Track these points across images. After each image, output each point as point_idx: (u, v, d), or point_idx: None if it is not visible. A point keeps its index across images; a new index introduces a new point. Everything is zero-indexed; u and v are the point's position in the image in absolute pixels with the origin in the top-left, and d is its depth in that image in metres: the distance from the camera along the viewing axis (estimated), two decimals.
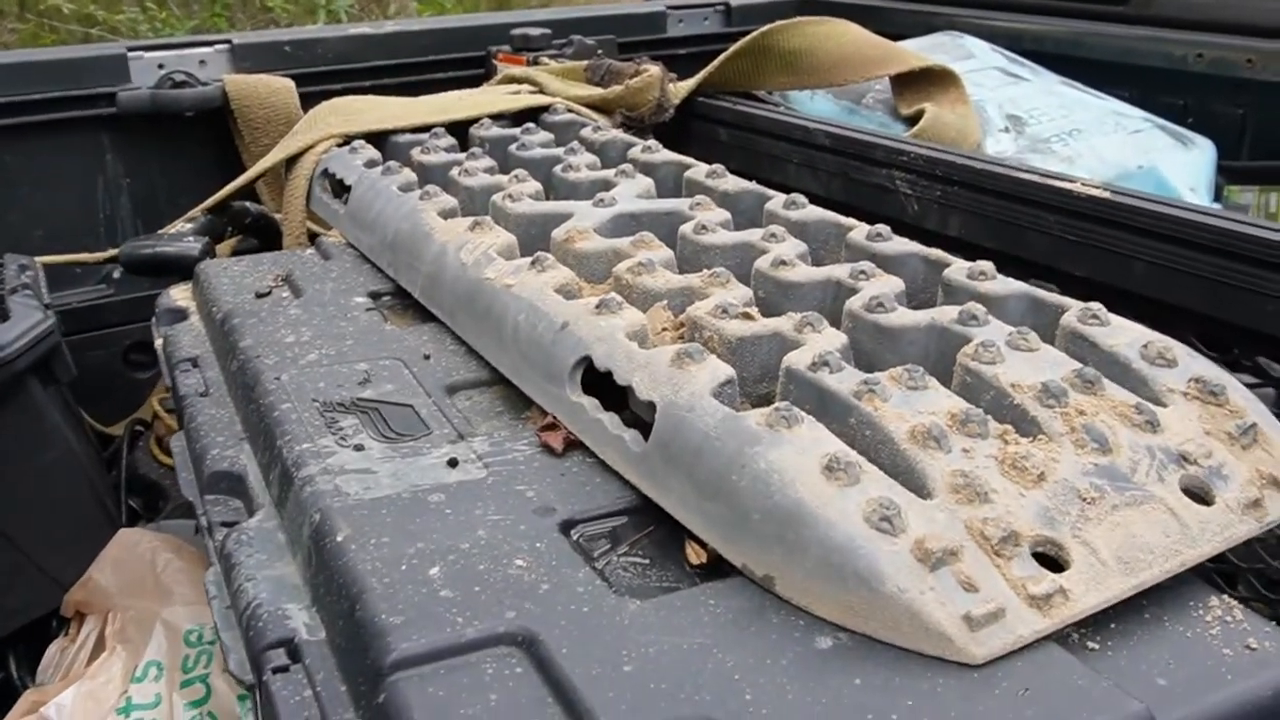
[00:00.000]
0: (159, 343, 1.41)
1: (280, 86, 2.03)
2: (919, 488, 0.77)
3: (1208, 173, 1.90)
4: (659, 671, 0.69)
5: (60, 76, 1.94)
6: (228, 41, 2.11)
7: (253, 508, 1.00)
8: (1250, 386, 1.24)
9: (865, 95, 1.98)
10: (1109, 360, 0.93)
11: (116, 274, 2.03)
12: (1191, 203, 1.23)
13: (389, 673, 0.70)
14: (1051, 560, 0.75)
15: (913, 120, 1.82)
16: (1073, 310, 0.98)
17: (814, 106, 2.02)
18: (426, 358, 1.17)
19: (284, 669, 0.78)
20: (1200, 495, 0.81)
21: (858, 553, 0.72)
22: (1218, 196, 1.97)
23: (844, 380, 0.87)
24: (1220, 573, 0.93)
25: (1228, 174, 2.03)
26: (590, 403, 0.97)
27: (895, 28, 2.47)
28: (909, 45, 2.17)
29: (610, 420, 0.94)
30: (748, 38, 1.84)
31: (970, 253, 1.39)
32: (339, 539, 0.84)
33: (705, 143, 1.86)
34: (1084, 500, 0.78)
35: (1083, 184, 1.29)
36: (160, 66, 2.03)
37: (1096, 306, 0.97)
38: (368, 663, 0.73)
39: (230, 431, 1.13)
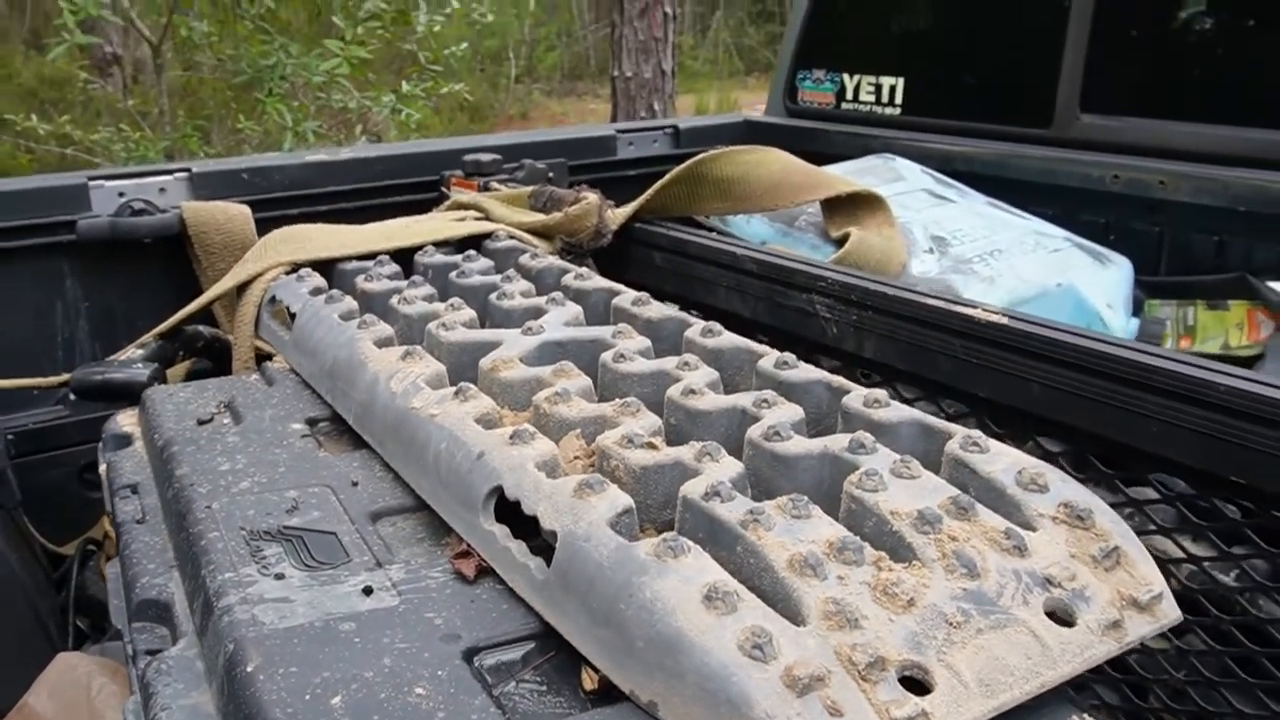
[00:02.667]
0: (103, 468, 1.45)
1: (237, 213, 2.10)
2: (794, 614, 0.82)
3: (1125, 289, 1.98)
4: None
5: (23, 205, 2.01)
6: (187, 170, 2.19)
7: (176, 636, 1.03)
8: (1147, 503, 1.30)
9: (798, 218, 2.06)
10: (986, 485, 0.98)
11: (72, 396, 2.07)
12: (1080, 328, 1.30)
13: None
14: (917, 683, 0.79)
15: (841, 242, 1.90)
16: (956, 437, 1.03)
17: (750, 229, 2.10)
18: (354, 484, 1.22)
19: None
20: (1063, 617, 0.86)
21: (730, 680, 0.76)
22: (1137, 311, 2.05)
23: (733, 509, 0.92)
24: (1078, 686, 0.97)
25: (1147, 289, 2.11)
26: (501, 530, 1.01)
27: (834, 148, 2.57)
28: (842, 167, 2.27)
29: (518, 548, 0.98)
30: (682, 166, 1.93)
31: (884, 373, 1.45)
32: (249, 669, 0.87)
33: (642, 266, 1.94)
34: (950, 624, 0.82)
35: (984, 309, 1.36)
36: (120, 194, 2.10)
37: (977, 434, 1.03)
38: None
39: (162, 559, 1.17)
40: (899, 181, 2.19)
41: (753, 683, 0.75)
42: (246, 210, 2.12)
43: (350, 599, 0.98)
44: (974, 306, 1.38)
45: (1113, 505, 1.30)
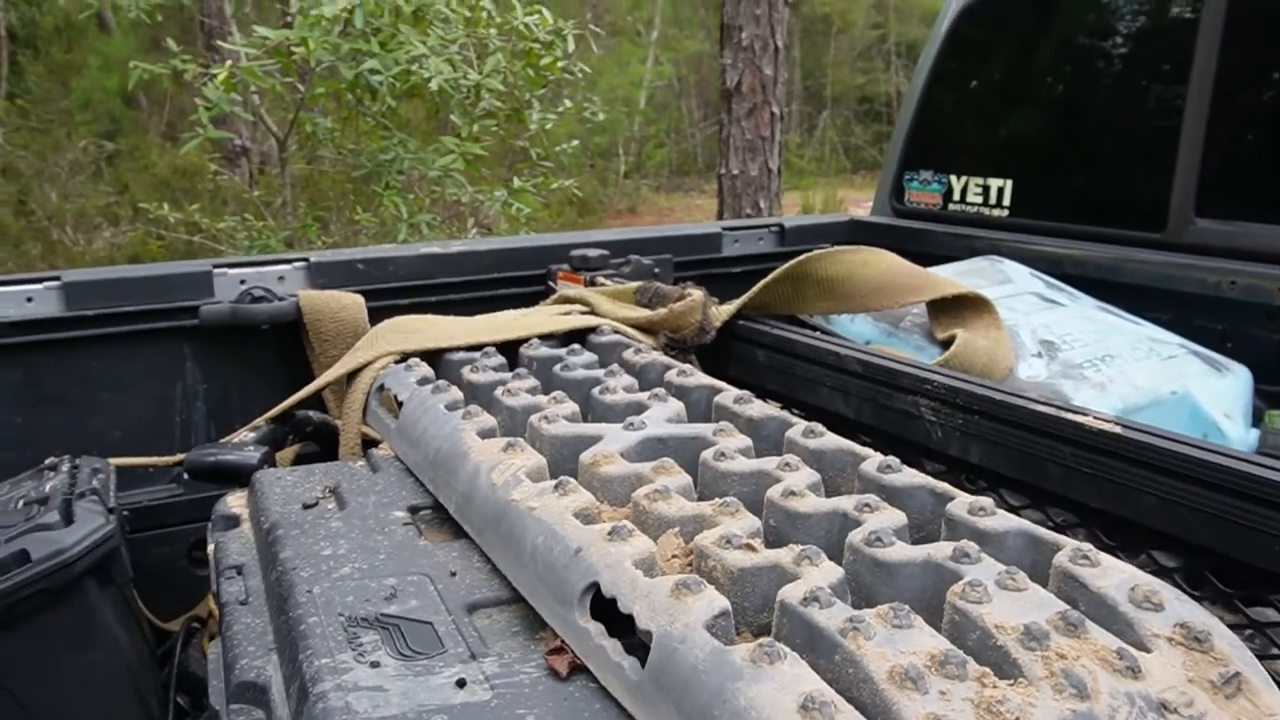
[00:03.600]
0: (211, 548, 1.48)
1: (350, 302, 2.16)
2: None
3: (1243, 398, 1.91)
4: None
5: (152, 291, 2.10)
6: (305, 259, 2.26)
7: (272, 719, 1.04)
8: (1268, 625, 1.24)
9: (903, 319, 2.05)
10: (1097, 601, 0.94)
11: (186, 475, 2.13)
12: (1195, 439, 1.25)
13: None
14: None
15: (946, 345, 1.87)
16: (1065, 550, 1.00)
17: (854, 329, 2.09)
18: (453, 574, 1.22)
19: None
20: None
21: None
22: (1257, 421, 1.98)
23: (832, 616, 0.90)
24: None
25: (1268, 399, 2.04)
26: (596, 628, 1.00)
27: (940, 249, 2.56)
28: (948, 269, 2.25)
29: (612, 647, 0.97)
30: (787, 265, 1.93)
31: (989, 480, 1.42)
32: None
33: (745, 364, 1.93)
34: None
35: (1095, 417, 1.33)
36: (242, 282, 2.18)
37: (1088, 547, 0.99)
38: None
39: (262, 642, 1.18)
40: (1007, 284, 2.16)
41: None
42: (360, 299, 2.18)
43: (443, 691, 0.98)
44: (1085, 414, 1.34)
45: (1232, 627, 1.24)
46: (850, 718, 0.79)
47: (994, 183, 2.65)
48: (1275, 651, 1.21)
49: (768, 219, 3.06)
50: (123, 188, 8.51)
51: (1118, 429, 1.30)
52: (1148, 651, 0.89)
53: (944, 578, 0.98)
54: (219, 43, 5.01)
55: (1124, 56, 2.48)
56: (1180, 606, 0.94)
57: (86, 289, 2.04)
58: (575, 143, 6.12)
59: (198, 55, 6.12)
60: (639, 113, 22.44)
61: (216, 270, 2.17)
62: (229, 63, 4.65)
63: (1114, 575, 0.97)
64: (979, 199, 2.68)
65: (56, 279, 2.03)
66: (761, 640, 0.86)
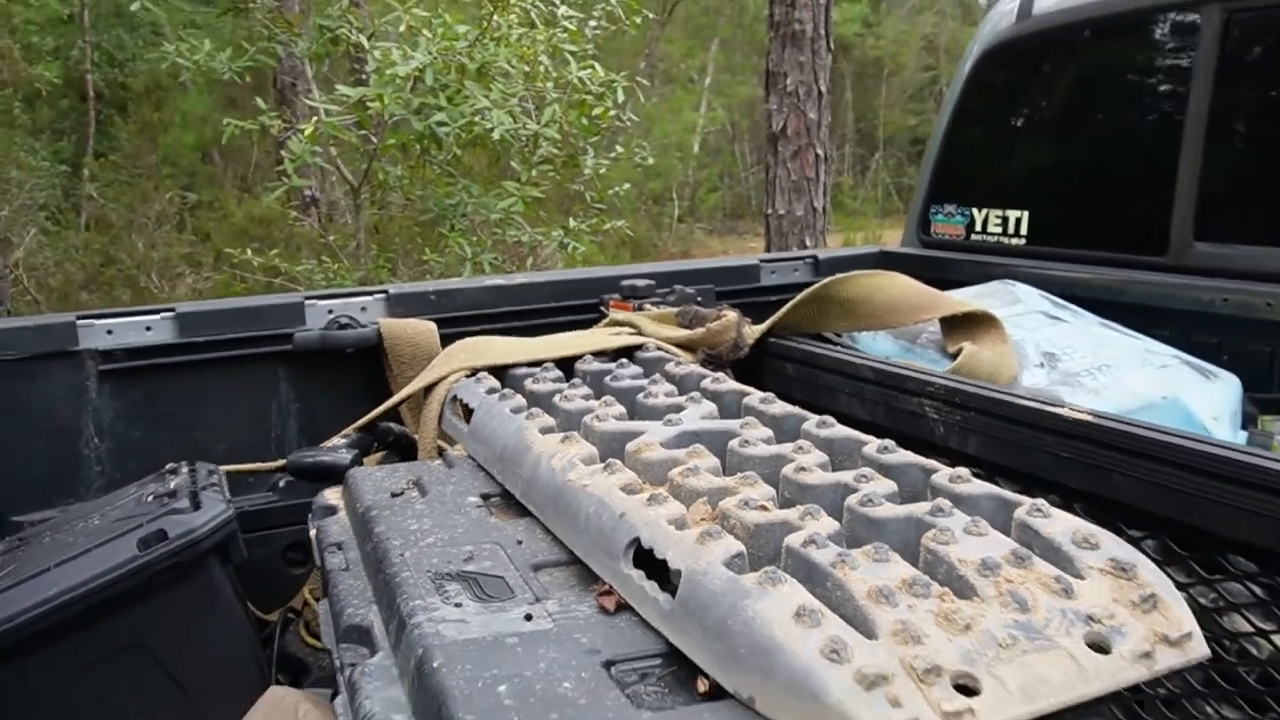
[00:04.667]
0: (313, 532, 1.72)
1: (425, 328, 2.40)
2: (868, 632, 1.00)
3: (1232, 404, 2.09)
4: None
5: (251, 320, 2.36)
6: (385, 291, 2.52)
7: (374, 651, 1.27)
8: (1218, 581, 1.42)
9: (920, 336, 2.25)
10: (1045, 543, 1.14)
11: (282, 484, 2.38)
12: (1157, 424, 1.44)
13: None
14: (968, 689, 0.96)
15: (957, 356, 2.07)
16: (1024, 505, 1.20)
17: (876, 346, 2.29)
18: (519, 543, 1.44)
19: None
20: (1100, 646, 1.01)
21: (811, 676, 0.94)
22: (1247, 425, 2.15)
23: (826, 554, 1.11)
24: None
25: (1261, 405, 2.20)
26: (638, 574, 1.22)
27: (963, 276, 2.75)
28: (966, 292, 2.44)
29: (650, 586, 1.19)
30: (811, 288, 2.15)
31: (986, 469, 1.62)
32: (434, 664, 1.09)
33: (775, 377, 2.14)
34: (1000, 645, 0.99)
35: (1071, 409, 1.52)
36: (329, 311, 2.44)
37: (1042, 502, 1.19)
38: None
39: (363, 598, 1.41)
40: (1017, 304, 2.35)
41: (830, 678, 0.93)
42: (433, 326, 2.42)
43: (514, 623, 1.20)
44: (1062, 406, 1.54)
45: (1187, 584, 1.43)
46: (834, 622, 1.00)
47: (1012, 214, 2.84)
48: (1224, 603, 1.39)
49: (802, 252, 3.27)
50: (204, 236, 8.97)
51: (1089, 418, 1.49)
52: (1082, 579, 1.08)
53: (922, 529, 1.19)
54: (306, 100, 5.35)
55: (1128, 97, 2.67)
56: (1114, 546, 1.13)
57: (197, 319, 2.31)
58: (628, 186, 6.40)
59: (276, 111, 6.51)
60: (692, 157, 22.82)
61: (307, 301, 2.43)
62: (315, 119, 5.00)
63: (1061, 523, 1.17)
64: (999, 229, 2.88)
65: (172, 310, 2.30)
66: (767, 569, 1.07)
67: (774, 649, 0.98)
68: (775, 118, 6.50)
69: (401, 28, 5.10)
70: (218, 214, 9.48)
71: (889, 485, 1.30)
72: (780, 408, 1.67)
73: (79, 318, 2.24)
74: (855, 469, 1.41)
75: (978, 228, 2.94)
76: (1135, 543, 1.47)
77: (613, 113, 5.52)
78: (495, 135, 4.98)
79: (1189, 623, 1.05)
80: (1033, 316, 2.28)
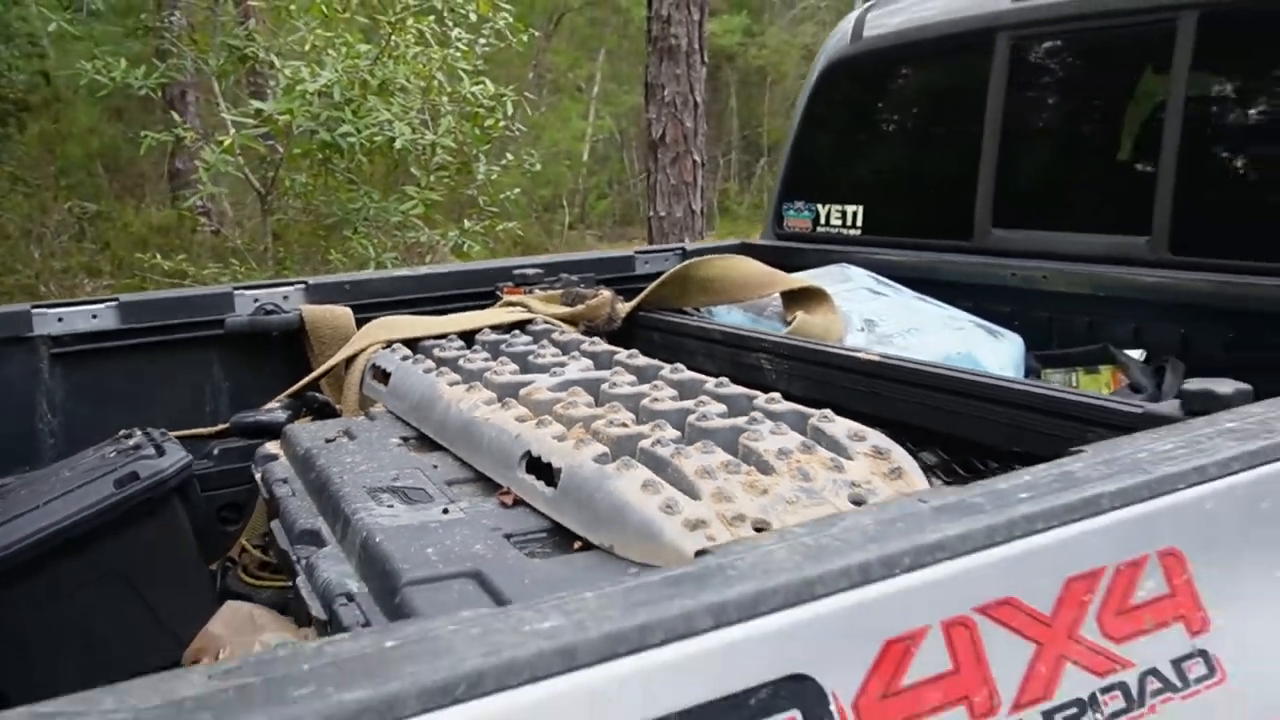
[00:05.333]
0: (259, 475, 2.04)
1: (342, 313, 2.73)
2: (694, 496, 1.38)
3: (1015, 358, 2.54)
4: (544, 584, 1.30)
5: (186, 308, 2.66)
6: (305, 282, 2.84)
7: (323, 545, 1.61)
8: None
9: (766, 308, 2.66)
10: (828, 439, 1.55)
11: (216, 451, 2.68)
12: (927, 361, 1.86)
13: (402, 588, 1.31)
14: (762, 529, 1.35)
15: (793, 323, 2.48)
16: (816, 414, 1.60)
17: (729, 317, 2.69)
18: (435, 467, 1.80)
19: (346, 603, 1.39)
20: (858, 501, 1.41)
21: (652, 524, 1.32)
22: (1029, 376, 2.60)
23: (668, 449, 1.49)
24: None
25: (1042, 360, 2.66)
26: (529, 478, 1.59)
27: (809, 263, 3.17)
28: (807, 274, 2.86)
29: (539, 484, 1.56)
30: (672, 270, 2.54)
31: (806, 405, 2.02)
32: (377, 540, 1.45)
33: (644, 343, 2.52)
34: (787, 503, 1.38)
35: (865, 352, 1.94)
36: (256, 300, 2.75)
37: (828, 411, 1.60)
38: (390, 586, 1.33)
39: (310, 512, 1.75)
40: (847, 282, 2.78)
41: (666, 525, 1.32)
42: (349, 311, 2.74)
43: (435, 515, 1.56)
44: (857, 351, 1.96)
45: (950, 481, 1.85)
46: (670, 490, 1.38)
47: (850, 209, 3.28)
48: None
49: (673, 244, 3.67)
50: (104, 245, 9.07)
51: (876, 358, 1.91)
52: (851, 460, 1.49)
53: (739, 432, 1.58)
54: (224, 115, 5.64)
55: (938, 109, 3.13)
56: (877, 438, 1.54)
57: (138, 308, 2.60)
58: (518, 191, 6.80)
59: (170, 123, 6.74)
60: (581, 165, 23.23)
61: (236, 291, 2.73)
62: (233, 130, 5.29)
63: (841, 425, 1.57)
64: (839, 222, 3.31)
65: (115, 300, 2.59)
66: (623, 458, 1.45)
67: (627, 509, 1.36)
68: (655, 126, 6.92)
69: (306, 47, 5.42)
70: (116, 224, 9.57)
71: (720, 407, 1.70)
72: (642, 360, 2.05)
73: (33, 307, 2.52)
74: (696, 399, 1.81)
75: (822, 221, 3.37)
76: (914, 452, 1.90)
77: (503, 124, 5.92)
78: (397, 145, 5.35)
79: (923, 485, 1.46)
80: (859, 292, 2.71)
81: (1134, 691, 0.89)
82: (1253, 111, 2.49)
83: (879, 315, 2.57)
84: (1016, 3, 2.81)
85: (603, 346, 2.20)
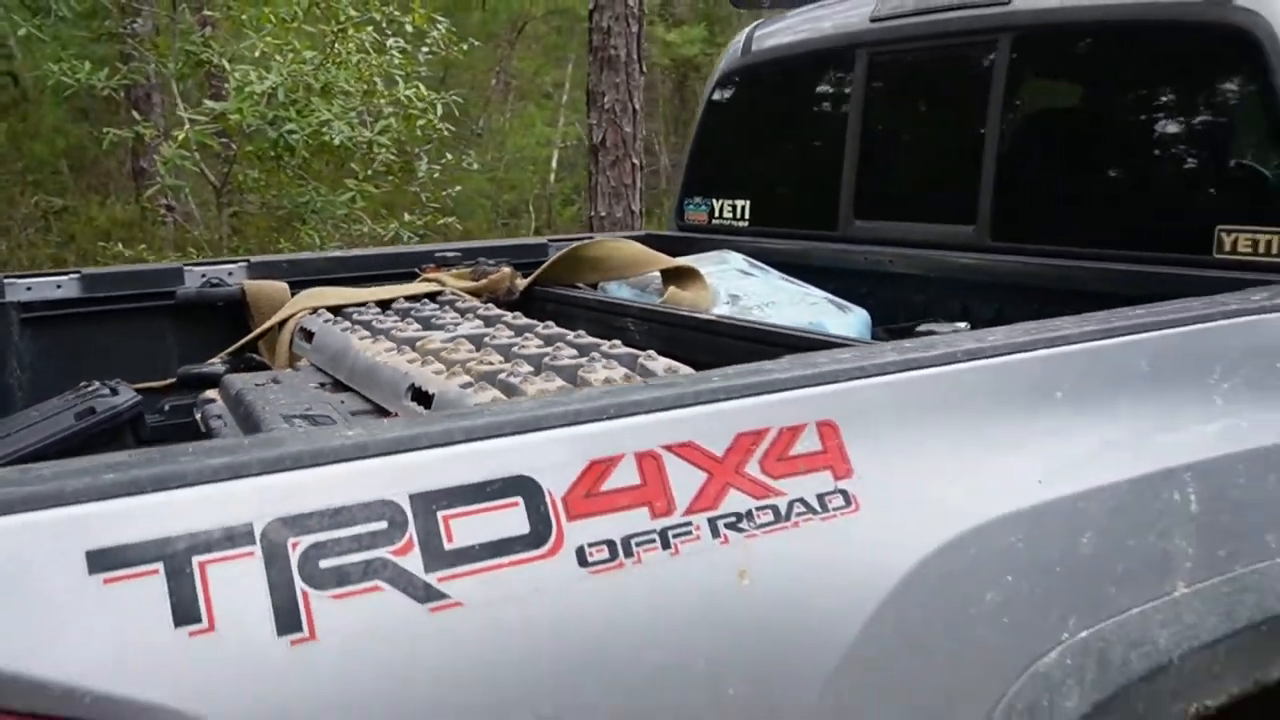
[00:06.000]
0: (199, 415, 2.41)
1: (280, 287, 3.09)
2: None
3: (859, 329, 2.94)
4: None
5: (141, 280, 3.01)
6: (247, 260, 3.20)
7: None
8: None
9: (649, 285, 3.04)
10: (647, 372, 1.93)
11: (167, 407, 3.03)
12: (738, 318, 2.26)
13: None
14: None
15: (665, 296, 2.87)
16: (642, 355, 1.99)
17: (619, 292, 3.08)
18: (343, 402, 2.18)
19: None
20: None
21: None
22: None
23: (517, 379, 1.87)
24: None
25: (890, 333, 3.07)
26: (412, 404, 1.97)
27: (701, 249, 3.57)
28: (691, 257, 3.26)
29: (418, 407, 1.94)
30: (564, 250, 2.93)
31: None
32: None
33: (539, 313, 2.91)
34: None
35: (698, 313, 2.33)
36: (203, 275, 3.11)
37: (651, 352, 1.98)
38: None
39: (239, 439, 2.12)
40: (723, 264, 3.17)
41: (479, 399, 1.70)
42: (285, 285, 3.11)
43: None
44: (698, 312, 2.35)
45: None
46: (488, 388, 1.76)
47: (739, 203, 3.68)
48: None
49: (583, 234, 4.05)
50: (70, 238, 9.39)
51: (712, 317, 2.30)
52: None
53: (579, 367, 1.97)
54: (180, 113, 6.01)
55: (812, 115, 3.53)
56: (682, 367, 1.93)
57: (97, 280, 2.95)
58: (459, 188, 7.26)
59: (135, 123, 7.11)
60: (550, 171, 23.62)
61: (186, 268, 3.10)
62: (185, 127, 5.67)
63: (661, 362, 1.96)
64: (730, 215, 3.71)
65: (78, 272, 2.95)
66: (479, 382, 1.83)
67: (462, 400, 1.74)
68: (595, 131, 7.32)
69: (256, 53, 5.82)
70: (81, 218, 9.90)
71: (572, 350, 2.09)
72: (523, 320, 2.44)
73: (5, 277, 2.87)
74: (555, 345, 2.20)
75: (716, 214, 3.77)
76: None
77: (438, 124, 6.36)
78: (336, 142, 5.75)
79: None
80: (731, 273, 3.10)
81: (783, 511, 1.28)
82: (1056, 119, 2.91)
83: (744, 291, 2.96)
84: (874, 24, 3.22)
85: (495, 311, 2.59)
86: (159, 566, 0.97)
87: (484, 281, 2.87)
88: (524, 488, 1.14)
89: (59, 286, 2.92)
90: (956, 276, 2.93)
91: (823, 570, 1.30)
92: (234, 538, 1.01)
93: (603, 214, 7.27)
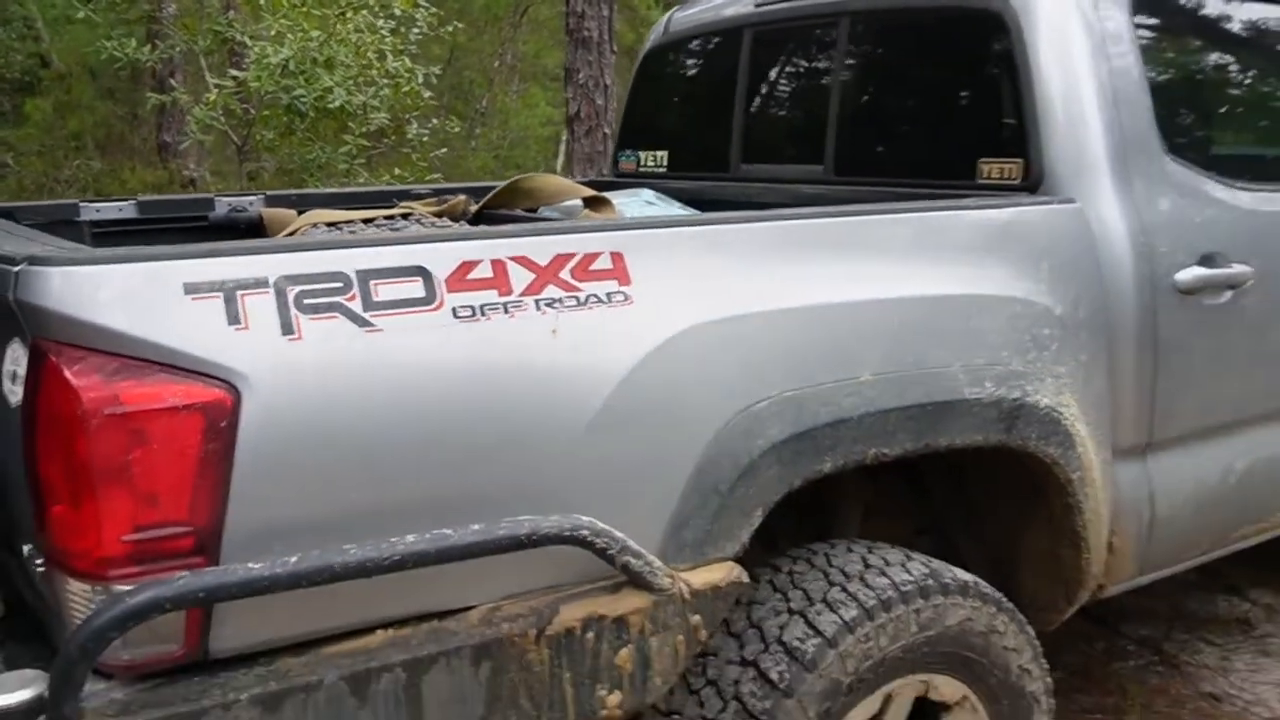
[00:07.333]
0: None
1: (289, 212, 3.93)
2: None
3: None
4: None
5: (182, 206, 3.87)
6: (264, 194, 4.05)
7: None
8: None
9: (575, 211, 3.88)
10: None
11: None
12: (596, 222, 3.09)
13: None
14: None
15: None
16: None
17: (549, 213, 3.92)
18: None
19: None
20: None
21: None
22: None
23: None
24: None
25: None
26: None
27: (624, 189, 4.41)
28: (612, 192, 4.10)
29: None
30: (506, 183, 3.76)
31: None
32: None
33: None
34: None
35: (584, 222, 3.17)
36: (229, 204, 3.96)
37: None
38: None
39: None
40: (635, 197, 4.00)
41: None
42: (294, 212, 3.96)
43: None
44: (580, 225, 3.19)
45: None
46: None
47: (659, 153, 4.52)
48: None
49: None
50: (106, 197, 10.38)
51: (585, 224, 3.14)
52: None
53: None
54: (209, 80, 6.95)
55: (713, 82, 4.37)
56: None
57: (151, 205, 3.81)
58: (445, 150, 8.21)
59: (162, 94, 8.06)
60: (548, 149, 24.43)
61: (217, 197, 3.95)
62: (215, 92, 6.60)
63: None
64: (652, 163, 4.54)
65: (135, 199, 3.80)
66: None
67: None
68: (571, 104, 8.15)
69: (272, 32, 6.74)
70: (115, 181, 10.85)
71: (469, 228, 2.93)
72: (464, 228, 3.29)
73: (80, 202, 3.73)
74: None
75: (642, 163, 4.60)
76: None
77: (422, 91, 7.32)
78: (336, 104, 6.69)
79: None
80: (638, 202, 3.94)
81: (582, 300, 2.09)
82: (876, 83, 3.74)
83: (643, 214, 3.80)
84: (757, 9, 4.06)
85: (446, 222, 3.44)
86: (220, 294, 1.82)
87: (444, 206, 3.71)
88: (422, 271, 1.99)
89: (120, 210, 3.78)
90: (807, 202, 3.76)
91: (607, 335, 2.13)
92: (259, 282, 1.85)
93: (579, 178, 8.09)
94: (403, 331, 1.93)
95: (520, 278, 2.07)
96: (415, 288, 1.97)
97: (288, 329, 1.84)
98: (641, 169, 4.62)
